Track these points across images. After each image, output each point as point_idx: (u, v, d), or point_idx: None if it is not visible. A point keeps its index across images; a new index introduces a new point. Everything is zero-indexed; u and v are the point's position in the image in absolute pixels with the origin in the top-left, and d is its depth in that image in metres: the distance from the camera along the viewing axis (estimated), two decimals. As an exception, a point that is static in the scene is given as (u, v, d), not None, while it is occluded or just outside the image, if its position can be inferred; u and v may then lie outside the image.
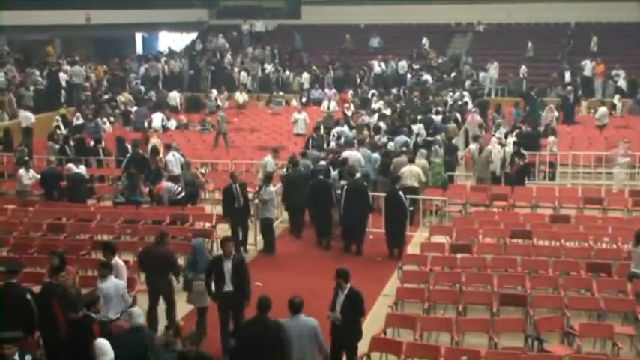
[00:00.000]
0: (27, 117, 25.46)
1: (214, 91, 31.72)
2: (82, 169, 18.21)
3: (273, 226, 16.06)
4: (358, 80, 33.13)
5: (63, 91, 30.11)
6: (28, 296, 9.83)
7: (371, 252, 15.75)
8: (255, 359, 8.87)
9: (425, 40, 36.58)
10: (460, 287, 12.54)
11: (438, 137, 20.88)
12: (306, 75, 33.88)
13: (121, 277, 11.15)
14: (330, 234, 16.29)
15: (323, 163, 17.53)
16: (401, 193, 15.53)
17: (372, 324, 11.82)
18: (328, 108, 27.34)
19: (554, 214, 16.94)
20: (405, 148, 19.25)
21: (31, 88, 28.84)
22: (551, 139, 21.95)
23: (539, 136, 22.38)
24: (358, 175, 16.76)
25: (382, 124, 22.42)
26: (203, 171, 18.60)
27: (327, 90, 31.04)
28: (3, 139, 23.15)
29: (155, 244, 12.10)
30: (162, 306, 11.92)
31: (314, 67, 34.49)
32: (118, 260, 11.45)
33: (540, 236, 14.94)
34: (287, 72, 34.88)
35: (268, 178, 15.97)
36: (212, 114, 28.97)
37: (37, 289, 11.87)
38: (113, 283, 10.54)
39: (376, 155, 18.76)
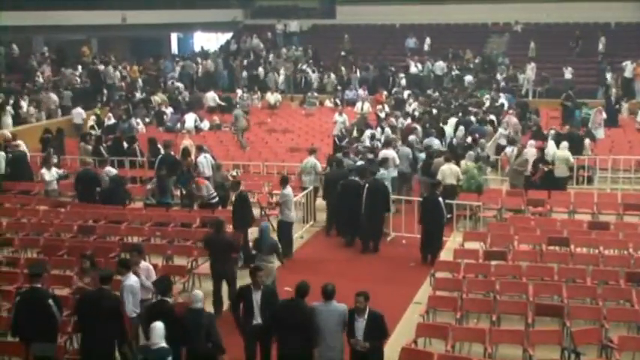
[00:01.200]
0: (79, 113, 25.73)
1: (239, 92, 31.62)
2: (111, 170, 18.10)
3: (289, 229, 15.59)
4: (390, 81, 32.74)
5: (105, 91, 30.32)
6: (50, 301, 9.70)
7: (403, 257, 15.47)
8: (287, 339, 9.47)
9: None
10: (494, 296, 12.18)
11: (482, 140, 20.59)
12: (334, 77, 33.69)
13: (150, 279, 11.03)
14: (357, 233, 16.15)
15: (358, 162, 17.53)
16: (440, 198, 15.23)
17: (403, 333, 11.63)
18: (361, 109, 27.04)
19: (593, 220, 16.46)
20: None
21: (69, 87, 29.02)
22: (586, 141, 21.41)
23: (581, 138, 21.74)
24: (383, 172, 16.77)
25: (418, 126, 22.08)
26: (234, 173, 18.42)
27: (360, 91, 30.78)
28: (52, 138, 22.61)
29: (215, 233, 12.68)
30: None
31: (342, 68, 34.22)
32: (146, 264, 11.34)
33: (578, 243, 14.49)
34: (316, 73, 34.54)
35: (284, 180, 15.70)
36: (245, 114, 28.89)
37: (64, 292, 11.99)
38: (133, 280, 10.47)
39: (422, 155, 19.01)
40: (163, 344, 8.79)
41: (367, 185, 15.85)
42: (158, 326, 8.84)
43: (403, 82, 32.55)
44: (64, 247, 14.23)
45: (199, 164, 18.14)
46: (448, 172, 17.20)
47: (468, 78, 31.71)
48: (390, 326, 11.95)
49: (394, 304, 12.80)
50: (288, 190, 15.51)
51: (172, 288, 10.24)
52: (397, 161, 18.33)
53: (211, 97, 30.71)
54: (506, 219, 16.70)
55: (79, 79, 30.50)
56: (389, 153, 18.34)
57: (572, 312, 11.46)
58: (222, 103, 30.49)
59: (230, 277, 12.47)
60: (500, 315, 11.72)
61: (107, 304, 9.60)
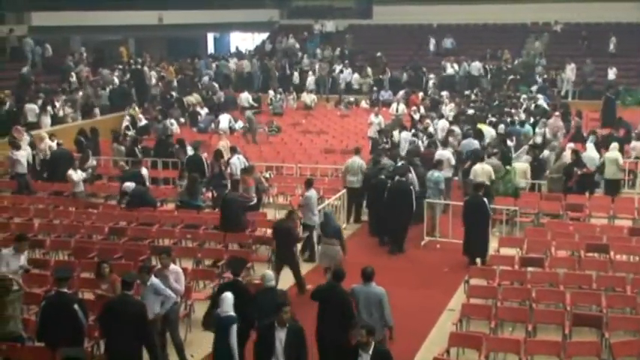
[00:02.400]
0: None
1: (271, 92, 31.52)
2: (144, 172, 18.07)
3: (311, 233, 15.32)
4: (424, 82, 32.39)
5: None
6: (75, 306, 9.59)
7: (437, 262, 15.17)
8: (324, 320, 9.85)
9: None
10: (530, 305, 11.82)
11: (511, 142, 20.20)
12: (356, 76, 33.37)
13: (179, 282, 10.90)
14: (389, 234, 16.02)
15: (400, 163, 17.47)
16: (485, 199, 14.94)
17: (435, 342, 11.39)
18: (397, 111, 26.75)
19: (634, 226, 15.95)
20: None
21: (107, 88, 29.12)
22: (635, 144, 20.80)
23: (621, 141, 21.15)
24: (438, 174, 16.64)
25: (456, 128, 21.79)
26: (267, 175, 18.26)
27: (397, 93, 30.53)
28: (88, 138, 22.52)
29: (284, 220, 13.58)
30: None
31: (369, 68, 33.93)
32: (176, 267, 11.19)
33: (618, 250, 14.02)
34: (348, 72, 34.25)
35: (309, 183, 15.55)
36: (278, 115, 28.80)
37: (93, 296, 11.91)
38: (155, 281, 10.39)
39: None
40: (232, 313, 9.47)
41: (390, 186, 15.84)
42: (228, 297, 9.55)
43: (431, 83, 32.14)
44: (95, 249, 14.15)
45: (232, 165, 18.07)
46: (480, 171, 17.02)
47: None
48: (422, 334, 11.91)
49: (427, 311, 12.59)
50: (311, 192, 15.30)
51: (244, 269, 11.26)
52: (452, 162, 18.29)
53: (245, 98, 30.62)
54: (543, 224, 16.27)
55: (117, 80, 30.53)
56: (444, 154, 18.28)
57: (611, 322, 11.04)
58: (255, 104, 30.39)
59: (289, 262, 13.20)
60: (537, 325, 11.36)
61: (132, 310, 9.48)
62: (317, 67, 34.84)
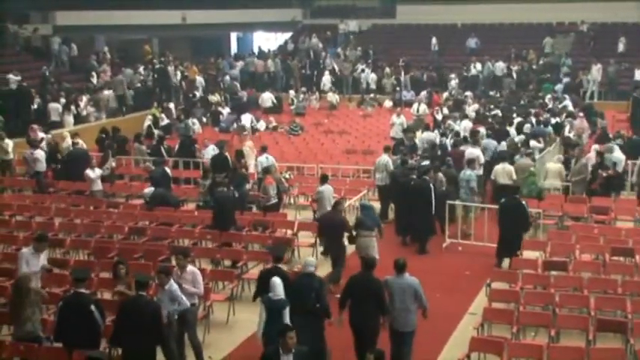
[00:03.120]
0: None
1: (291, 92, 31.40)
2: (167, 171, 18.04)
3: None
4: (452, 82, 32.14)
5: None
6: (92, 307, 9.52)
7: (459, 265, 14.98)
8: (359, 308, 10.19)
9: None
10: (553, 310, 11.61)
11: (536, 143, 19.96)
12: (373, 75, 33.22)
13: (197, 284, 10.80)
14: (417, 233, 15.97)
15: (425, 163, 17.52)
16: (524, 202, 14.74)
17: (456, 346, 11.24)
18: (417, 111, 26.58)
19: (661, 229, 15.71)
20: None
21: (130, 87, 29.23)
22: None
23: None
24: (470, 173, 16.59)
25: (482, 129, 21.62)
26: (287, 175, 18.15)
27: (412, 93, 30.38)
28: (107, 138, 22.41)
29: (332, 212, 13.93)
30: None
31: (387, 69, 33.73)
32: (192, 268, 11.06)
33: (644, 254, 13.78)
34: (372, 73, 34.06)
35: (323, 178, 15.83)
36: (300, 115, 28.69)
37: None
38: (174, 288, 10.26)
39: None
40: (282, 296, 10.03)
41: (410, 185, 15.87)
42: (278, 282, 10.08)
43: (453, 83, 31.89)
44: (114, 249, 14.11)
45: (259, 163, 18.17)
46: (501, 171, 16.99)
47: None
48: (443, 337, 11.78)
49: (448, 314, 12.42)
50: (325, 187, 15.56)
51: (285, 256, 12.04)
52: (482, 160, 18.18)
53: (268, 98, 30.57)
54: (567, 227, 16.02)
55: (141, 79, 30.58)
56: (474, 152, 18.19)
57: (636, 328, 10.79)
58: (276, 104, 30.40)
59: (335, 254, 13.51)
60: (560, 330, 11.17)
61: (146, 310, 9.41)
62: (333, 66, 34.62)
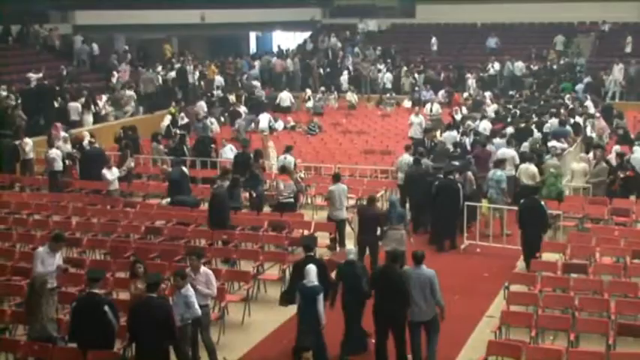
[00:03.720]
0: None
1: (308, 91, 31.29)
2: (185, 171, 18.03)
3: (341, 226, 15.54)
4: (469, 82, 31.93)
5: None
6: (105, 308, 9.47)
7: (477, 266, 14.84)
8: (383, 298, 10.51)
9: (434, 40, 35.31)
10: (572, 313, 11.42)
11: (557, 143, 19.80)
12: (388, 75, 33.03)
13: (210, 285, 10.72)
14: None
15: (455, 162, 17.43)
16: (543, 202, 14.62)
17: (473, 349, 11.14)
18: (431, 111, 26.43)
19: (683, 232, 15.45)
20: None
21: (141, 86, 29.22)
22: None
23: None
24: (500, 173, 16.50)
25: (510, 129, 21.43)
26: (302, 175, 18.06)
27: (432, 92, 30.21)
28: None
29: (367, 205, 14.38)
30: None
31: (405, 68, 33.55)
32: (205, 269, 10.97)
33: (667, 257, 13.56)
34: (387, 73, 33.87)
35: (335, 177, 15.90)
36: (318, 115, 28.58)
37: (127, 296, 11.83)
38: (191, 293, 10.16)
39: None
40: (316, 282, 10.42)
41: (437, 184, 15.95)
42: (312, 268, 10.52)
43: (470, 82, 31.69)
44: (130, 248, 14.08)
45: (279, 163, 18.30)
46: (524, 171, 16.97)
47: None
48: (460, 340, 11.68)
49: (466, 317, 12.28)
50: (336, 186, 15.57)
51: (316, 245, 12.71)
52: (517, 160, 18.02)
53: (286, 97, 30.50)
54: (588, 229, 15.81)
55: (160, 78, 30.61)
56: (508, 152, 18.13)
57: (657, 333, 10.66)
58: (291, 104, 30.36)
59: (371, 245, 13.81)
60: (579, 334, 10.98)
61: (157, 312, 9.34)
62: (350, 66, 34.48)
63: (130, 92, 28.08)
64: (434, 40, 36.50)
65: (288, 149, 18.93)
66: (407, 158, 17.76)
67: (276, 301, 12.83)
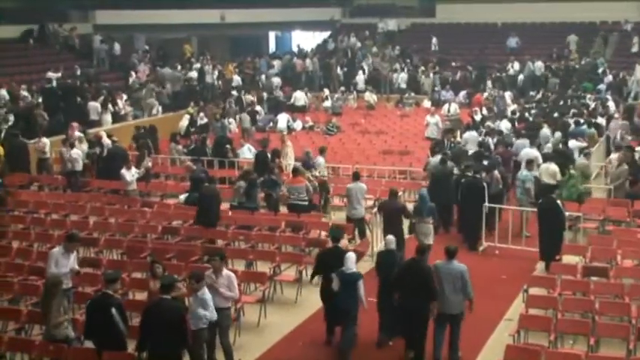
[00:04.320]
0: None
1: (326, 90, 31.15)
2: (206, 170, 18.03)
3: (359, 224, 15.71)
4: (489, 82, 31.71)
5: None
6: (112, 310, 9.41)
7: (496, 269, 14.67)
8: (407, 291, 10.75)
9: (435, 41, 35.18)
10: (593, 317, 11.25)
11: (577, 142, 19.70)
12: (404, 75, 32.87)
13: (232, 288, 10.58)
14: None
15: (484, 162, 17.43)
16: (559, 201, 14.49)
17: (491, 353, 11.01)
18: (448, 111, 26.28)
19: None
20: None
21: (168, 85, 29.24)
22: None
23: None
24: (526, 173, 16.55)
25: (546, 128, 21.40)
26: (317, 174, 17.98)
27: (451, 92, 30.04)
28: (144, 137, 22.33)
29: (389, 199, 14.51)
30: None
31: (422, 68, 33.34)
32: (228, 272, 10.82)
33: (689, 261, 13.35)
34: (402, 73, 33.66)
35: (355, 176, 16.07)
36: (337, 115, 28.47)
37: (143, 296, 11.81)
38: (207, 297, 10.02)
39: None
40: (355, 269, 10.95)
41: (463, 183, 16.11)
42: (352, 256, 11.05)
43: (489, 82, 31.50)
44: (147, 248, 14.05)
45: (317, 165, 18.54)
46: (545, 170, 16.86)
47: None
48: (478, 344, 11.55)
49: (484, 320, 12.11)
50: (352, 185, 15.74)
51: (344, 236, 13.09)
52: (540, 161, 17.90)
53: (301, 96, 30.42)
54: (609, 231, 15.60)
55: (185, 78, 30.63)
56: (531, 152, 18.12)
57: (679, 338, 10.45)
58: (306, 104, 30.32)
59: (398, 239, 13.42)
60: (599, 339, 10.82)
61: (169, 314, 9.27)
62: (365, 66, 34.39)
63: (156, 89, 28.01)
64: (434, 40, 36.46)
65: (322, 151, 19.02)
66: (436, 160, 17.81)
67: (292, 303, 12.95)
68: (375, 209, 15.49)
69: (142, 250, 14.00)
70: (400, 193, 17.48)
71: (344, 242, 13.19)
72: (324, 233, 15.35)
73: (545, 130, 21.13)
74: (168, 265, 12.73)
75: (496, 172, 16.57)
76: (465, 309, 10.90)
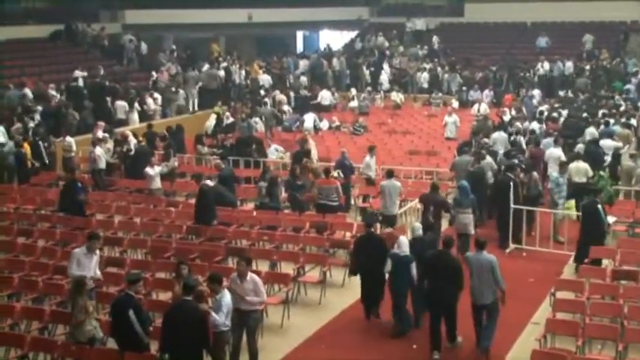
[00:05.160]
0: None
1: (353, 90, 31.03)
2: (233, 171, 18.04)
3: (392, 222, 15.32)
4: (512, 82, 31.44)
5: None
6: (130, 312, 9.37)
7: (523, 271, 14.45)
8: (436, 283, 11.09)
9: (587, 37, 34.32)
10: (621, 322, 11.03)
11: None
12: (426, 75, 32.66)
13: (258, 292, 10.42)
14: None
15: (515, 160, 17.53)
16: (600, 206, 14.20)
17: (518, 357, 10.91)
18: (478, 111, 26.03)
19: None
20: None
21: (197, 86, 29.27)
22: None
23: None
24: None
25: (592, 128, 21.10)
26: (335, 174, 17.90)
27: (485, 92, 29.76)
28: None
29: (430, 192, 15.00)
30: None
31: (446, 67, 33.08)
32: (253, 276, 10.55)
33: None
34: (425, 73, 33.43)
35: (389, 173, 16.18)
36: (364, 115, 28.32)
37: (167, 296, 11.79)
38: (227, 300, 9.88)
39: None
40: (407, 252, 11.63)
41: (494, 181, 16.61)
42: (404, 240, 11.86)
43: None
44: (171, 249, 14.03)
45: (367, 165, 18.57)
46: (574, 170, 16.75)
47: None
48: (504, 347, 11.39)
49: (510, 323, 11.92)
50: (386, 182, 15.89)
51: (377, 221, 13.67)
52: (563, 158, 17.86)
53: (327, 96, 30.32)
54: (639, 234, 15.32)
55: (217, 76, 30.59)
56: (555, 152, 18.23)
57: None
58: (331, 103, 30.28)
59: (435, 228, 14.29)
60: (628, 344, 10.56)
61: (191, 316, 9.19)
62: (386, 65, 34.17)
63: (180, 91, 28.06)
64: (435, 38, 36.19)
65: (371, 150, 18.80)
66: (466, 159, 17.82)
67: (316, 304, 12.92)
68: (417, 201, 15.97)
69: (165, 250, 13.99)
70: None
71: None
72: (348, 234, 15.26)
73: (592, 130, 20.88)
74: (192, 265, 12.65)
75: (534, 173, 16.46)
76: (497, 299, 11.01)
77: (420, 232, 12.41)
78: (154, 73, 29.43)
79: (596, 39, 34.25)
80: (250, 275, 10.48)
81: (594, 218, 14.01)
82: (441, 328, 11.19)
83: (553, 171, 17.22)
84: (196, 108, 28.22)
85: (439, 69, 33.28)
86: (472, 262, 11.18)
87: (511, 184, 15.46)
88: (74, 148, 20.50)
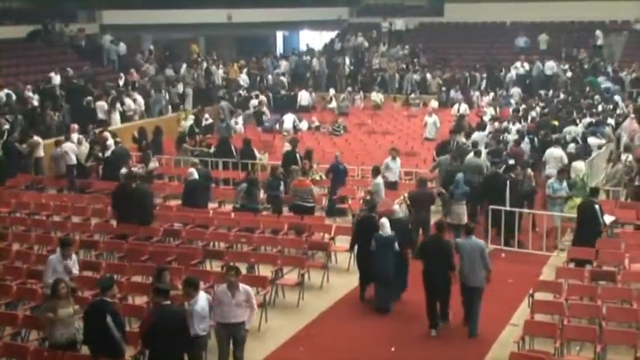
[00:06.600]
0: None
1: (332, 90, 30.95)
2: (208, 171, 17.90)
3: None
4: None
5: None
6: (108, 319, 9.22)
7: (502, 272, 14.28)
8: (431, 265, 11.89)
9: (598, 33, 34.16)
10: (600, 323, 11.00)
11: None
12: (415, 76, 32.67)
13: (252, 305, 10.08)
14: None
15: (512, 161, 17.62)
16: (597, 205, 14.15)
17: (496, 359, 10.71)
18: (458, 111, 26.07)
19: None
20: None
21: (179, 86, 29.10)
22: None
23: None
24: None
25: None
26: (318, 177, 17.74)
27: (459, 93, 29.82)
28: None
29: (418, 187, 15.50)
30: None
31: (425, 67, 33.15)
32: (245, 287, 10.16)
33: (699, 265, 13.06)
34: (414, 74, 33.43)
35: (376, 170, 16.55)
36: (343, 115, 28.24)
37: (143, 300, 11.64)
38: (202, 305, 9.68)
39: None
40: (390, 233, 12.50)
41: (485, 177, 16.72)
42: (386, 222, 12.58)
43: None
44: (147, 252, 13.85)
45: (390, 167, 18.25)
46: (574, 169, 17.10)
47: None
48: (482, 349, 11.37)
49: (488, 324, 11.97)
50: (379, 179, 16.31)
51: (376, 206, 13.93)
52: (565, 160, 17.93)
53: (305, 96, 30.23)
54: (617, 234, 15.34)
55: (188, 78, 30.46)
56: (556, 152, 18.31)
57: (688, 345, 10.18)
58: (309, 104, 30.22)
59: (425, 223, 15.16)
60: (606, 346, 10.53)
61: (171, 321, 9.10)
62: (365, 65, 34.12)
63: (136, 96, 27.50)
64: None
65: (393, 153, 18.47)
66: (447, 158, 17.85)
67: (294, 307, 12.84)
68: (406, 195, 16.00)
69: (142, 254, 13.80)
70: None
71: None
72: (327, 236, 15.16)
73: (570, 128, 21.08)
74: (169, 268, 12.52)
75: (529, 170, 16.70)
76: (484, 282, 11.76)
77: (400, 214, 13.50)
78: (122, 74, 29.11)
79: (575, 39, 34.37)
80: (242, 286, 10.09)
81: (591, 218, 14.00)
82: (436, 307, 11.96)
83: (552, 171, 17.10)
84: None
85: (414, 69, 33.28)
86: (464, 247, 11.83)
87: (508, 183, 15.53)
88: (39, 147, 20.27)
